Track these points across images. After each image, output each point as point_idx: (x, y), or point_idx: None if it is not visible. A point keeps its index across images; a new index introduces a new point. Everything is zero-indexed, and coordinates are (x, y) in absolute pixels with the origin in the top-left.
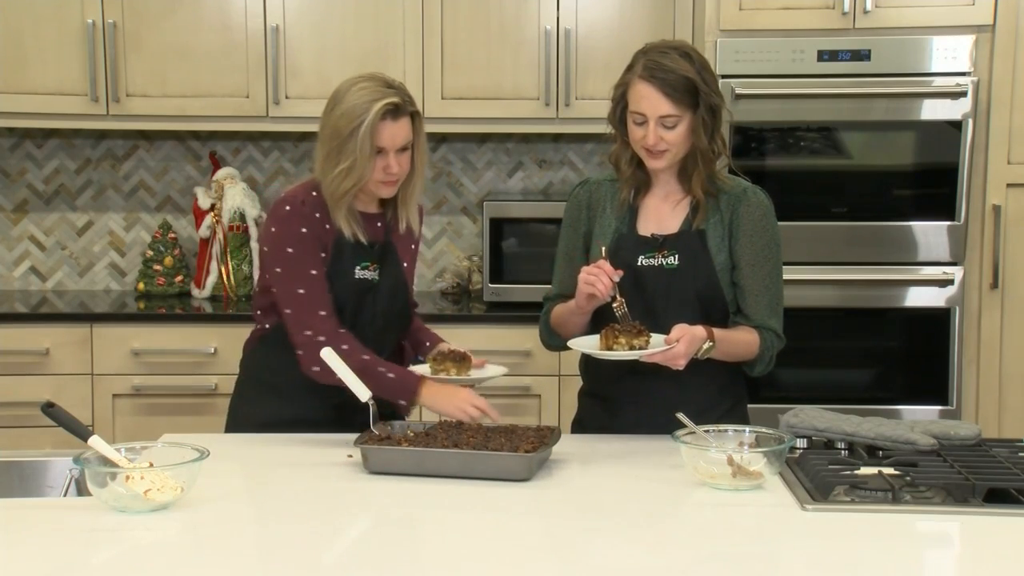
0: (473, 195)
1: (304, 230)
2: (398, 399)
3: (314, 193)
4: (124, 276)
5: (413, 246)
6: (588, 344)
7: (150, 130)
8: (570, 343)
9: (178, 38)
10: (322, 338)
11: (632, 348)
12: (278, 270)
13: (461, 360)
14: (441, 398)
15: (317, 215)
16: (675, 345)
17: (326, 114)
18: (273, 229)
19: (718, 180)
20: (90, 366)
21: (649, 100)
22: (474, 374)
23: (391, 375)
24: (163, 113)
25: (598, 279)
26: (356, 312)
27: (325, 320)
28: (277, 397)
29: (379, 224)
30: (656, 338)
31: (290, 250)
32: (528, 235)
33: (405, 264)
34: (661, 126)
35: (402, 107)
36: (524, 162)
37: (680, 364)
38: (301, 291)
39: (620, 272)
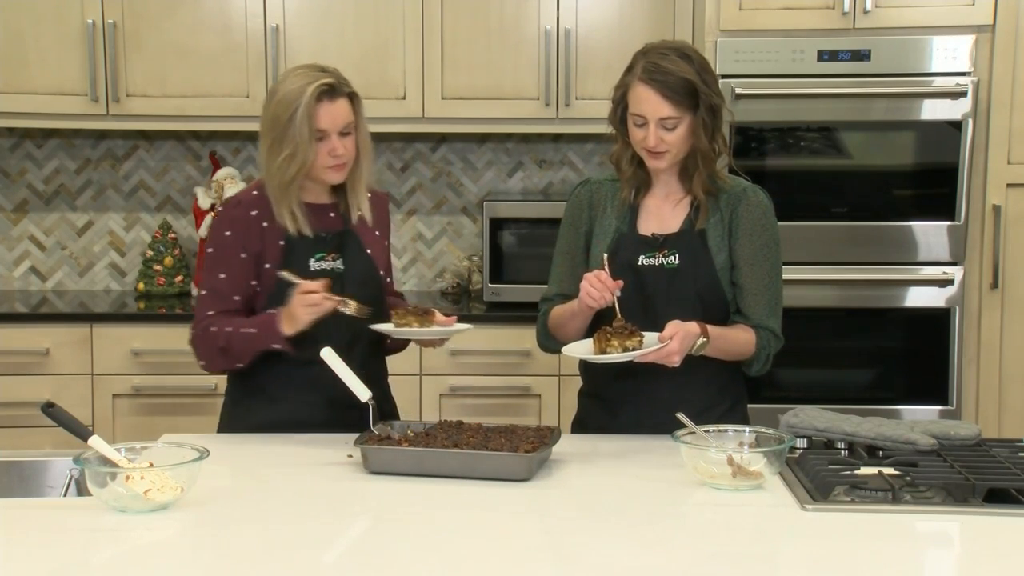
0: (473, 195)
1: (228, 233)
2: (272, 345)
3: (255, 192)
4: (124, 276)
5: (378, 233)
6: (582, 350)
7: (150, 130)
8: (563, 350)
9: (178, 38)
10: (199, 330)
11: (625, 349)
12: (202, 271)
13: (424, 315)
14: (287, 317)
15: (253, 213)
16: (668, 343)
17: (264, 108)
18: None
19: (718, 180)
20: (90, 366)
21: (649, 103)
22: (439, 329)
23: (253, 330)
24: (163, 113)
25: (600, 296)
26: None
27: (205, 318)
28: (267, 401)
29: (332, 214)
30: (650, 336)
31: (210, 250)
32: (528, 235)
33: (370, 251)
34: (661, 128)
35: (337, 88)
36: (524, 162)
37: (675, 361)
38: (204, 292)
39: (620, 284)
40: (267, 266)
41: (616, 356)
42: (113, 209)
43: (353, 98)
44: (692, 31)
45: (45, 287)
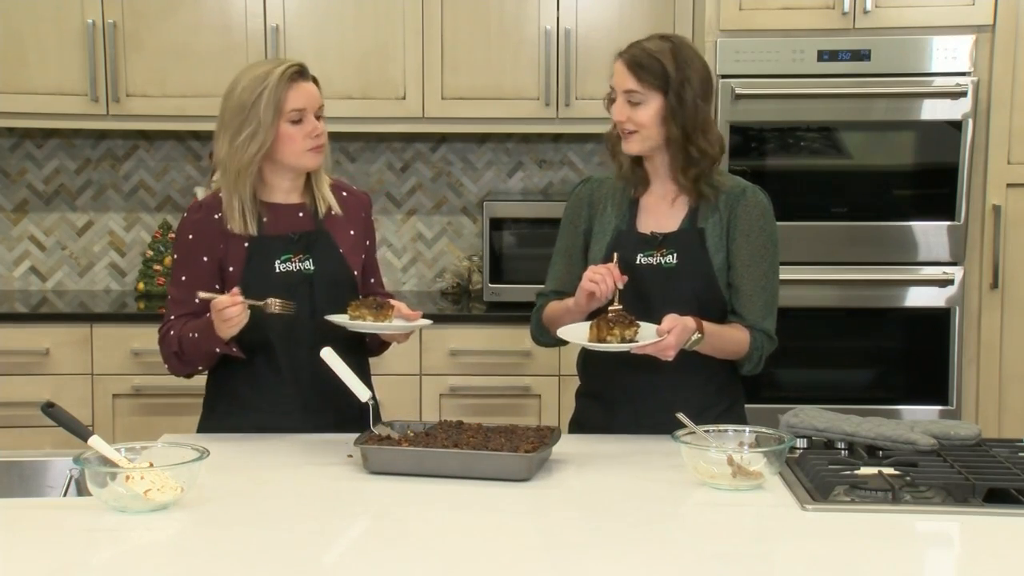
0: (473, 195)
1: (190, 236)
2: (215, 348)
3: (221, 195)
4: (124, 276)
5: (353, 232)
6: (579, 334)
7: (150, 130)
8: (559, 332)
9: (178, 38)
10: (160, 338)
11: (624, 339)
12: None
13: (379, 308)
14: (218, 329)
15: (216, 216)
16: (666, 337)
17: (226, 99)
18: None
19: (716, 180)
20: (90, 366)
21: (617, 75)
22: (396, 324)
23: (196, 334)
24: (163, 113)
25: (603, 280)
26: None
27: (166, 323)
28: (240, 408)
29: (301, 214)
30: (646, 328)
31: (175, 256)
32: (528, 235)
33: (343, 251)
34: (627, 103)
35: (305, 71)
36: (524, 162)
37: (670, 355)
38: (168, 298)
39: (625, 279)
40: (231, 269)
41: (614, 346)
42: (113, 209)
43: (317, 84)
44: (692, 31)
45: (45, 287)
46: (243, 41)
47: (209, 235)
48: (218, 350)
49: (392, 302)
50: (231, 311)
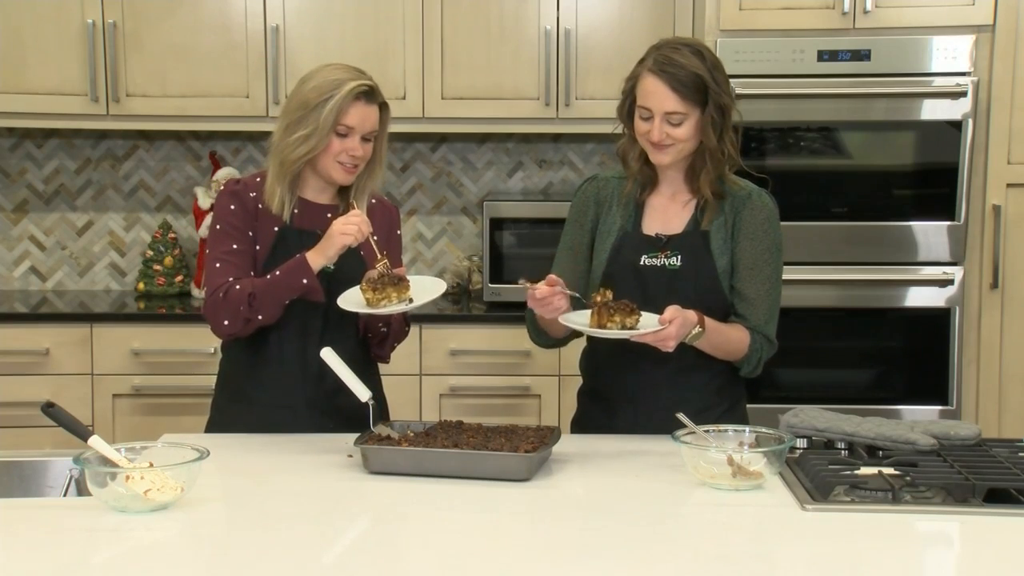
0: (473, 195)
1: (232, 207)
2: (301, 281)
3: (258, 179)
4: (124, 276)
5: (376, 237)
6: (580, 320)
7: (150, 130)
8: (561, 318)
9: (178, 38)
10: (221, 294)
11: (624, 327)
12: (207, 251)
13: (399, 283)
14: (325, 245)
15: (252, 195)
16: (667, 327)
17: (294, 91)
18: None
19: (726, 181)
20: (90, 366)
21: (656, 96)
22: (416, 298)
23: (279, 272)
24: (163, 113)
25: (551, 302)
26: (304, 301)
27: (225, 283)
28: (247, 405)
29: (330, 215)
30: (648, 317)
31: (217, 227)
32: (528, 235)
33: (363, 254)
34: (667, 122)
35: (374, 93)
36: (524, 162)
37: (670, 346)
38: (217, 265)
39: (561, 298)
40: (257, 247)
41: (614, 332)
42: (113, 209)
43: (383, 108)
44: (692, 31)
45: (45, 287)
46: (243, 41)
47: (246, 209)
48: (305, 281)
49: (402, 272)
50: (355, 223)
